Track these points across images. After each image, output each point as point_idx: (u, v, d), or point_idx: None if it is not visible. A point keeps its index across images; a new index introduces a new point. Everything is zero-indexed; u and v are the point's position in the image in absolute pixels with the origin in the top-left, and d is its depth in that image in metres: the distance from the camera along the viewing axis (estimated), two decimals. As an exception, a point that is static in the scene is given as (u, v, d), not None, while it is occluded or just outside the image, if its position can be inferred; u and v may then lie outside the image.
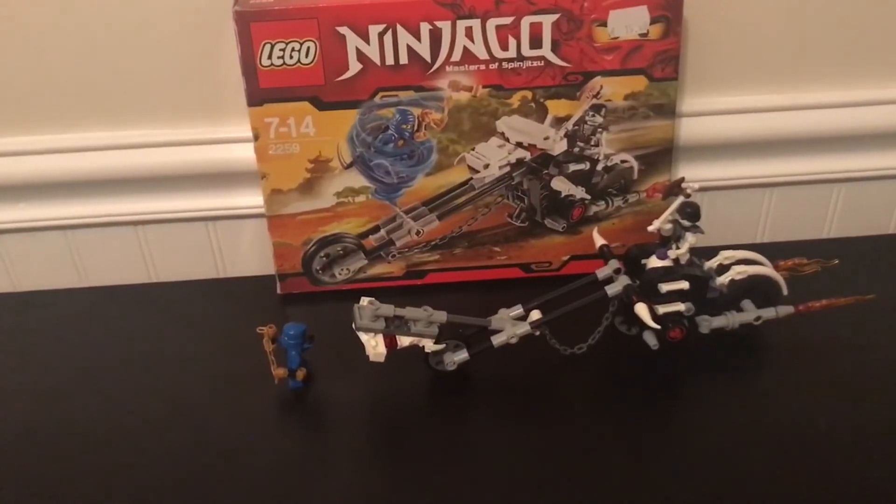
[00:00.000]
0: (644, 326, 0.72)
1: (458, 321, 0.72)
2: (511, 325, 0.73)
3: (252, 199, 0.88)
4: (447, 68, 0.78)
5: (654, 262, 0.73)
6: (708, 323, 0.75)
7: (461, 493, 0.64)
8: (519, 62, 0.78)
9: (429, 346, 0.71)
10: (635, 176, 0.85)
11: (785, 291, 0.76)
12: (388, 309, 0.69)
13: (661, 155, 0.85)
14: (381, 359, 0.69)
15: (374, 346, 0.69)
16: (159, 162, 0.87)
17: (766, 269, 0.76)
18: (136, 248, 0.92)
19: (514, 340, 0.73)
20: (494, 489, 0.65)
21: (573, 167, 0.84)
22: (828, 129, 0.90)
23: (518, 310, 0.75)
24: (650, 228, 0.74)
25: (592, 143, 0.83)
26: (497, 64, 0.78)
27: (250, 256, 0.93)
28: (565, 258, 0.89)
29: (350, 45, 0.76)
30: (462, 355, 0.74)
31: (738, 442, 0.67)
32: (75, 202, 0.89)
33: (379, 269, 0.88)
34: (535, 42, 0.77)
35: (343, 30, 0.75)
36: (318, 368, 0.76)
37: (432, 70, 0.78)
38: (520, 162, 0.84)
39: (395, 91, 0.79)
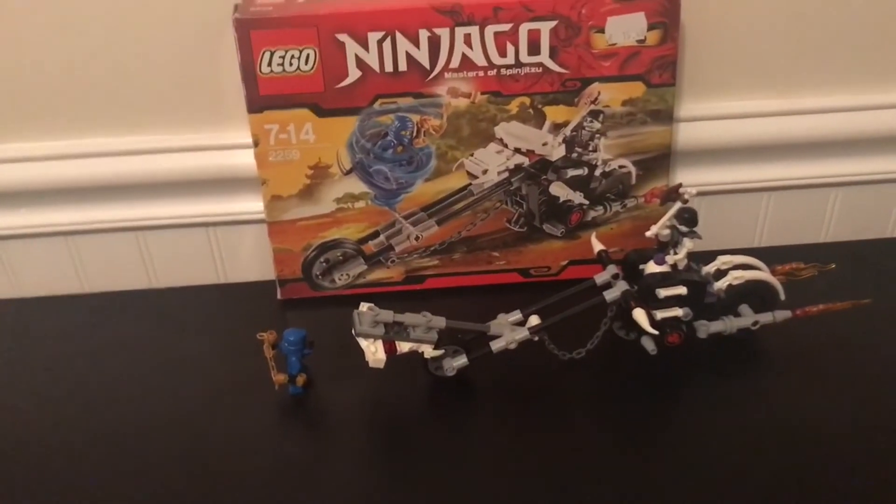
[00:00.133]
0: (642, 331, 0.72)
1: (457, 326, 0.72)
2: (510, 330, 0.74)
3: (252, 205, 0.88)
4: (446, 75, 0.78)
5: (652, 267, 0.74)
6: (706, 328, 0.75)
7: (461, 498, 0.65)
8: (517, 69, 0.79)
9: (428, 351, 0.71)
10: (633, 181, 0.86)
11: (782, 296, 0.76)
12: (388, 315, 0.69)
13: (658, 160, 0.85)
14: (381, 364, 0.70)
15: (374, 352, 0.69)
16: (160, 168, 0.87)
17: (764, 274, 0.76)
18: (136, 253, 0.93)
19: (512, 346, 0.73)
20: (494, 494, 0.65)
21: (571, 173, 0.85)
22: (824, 133, 0.90)
23: (517, 315, 0.75)
24: (648, 234, 0.75)
25: (590, 148, 0.84)
26: (495, 70, 0.79)
27: (250, 262, 0.93)
28: (564, 263, 0.89)
29: (349, 53, 0.76)
30: (461, 361, 0.74)
31: (737, 446, 0.68)
32: (76, 208, 0.89)
33: (378, 274, 0.88)
34: (534, 48, 0.78)
35: (342, 37, 0.76)
36: (317, 374, 0.76)
37: (431, 77, 0.78)
38: (518, 167, 0.84)
39: (394, 98, 0.79)
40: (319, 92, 0.78)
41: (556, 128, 0.82)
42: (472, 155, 0.83)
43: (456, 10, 0.76)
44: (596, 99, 0.81)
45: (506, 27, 0.77)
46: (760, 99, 0.89)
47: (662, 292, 0.72)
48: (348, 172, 0.82)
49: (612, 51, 0.79)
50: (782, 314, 0.76)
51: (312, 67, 0.77)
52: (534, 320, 0.74)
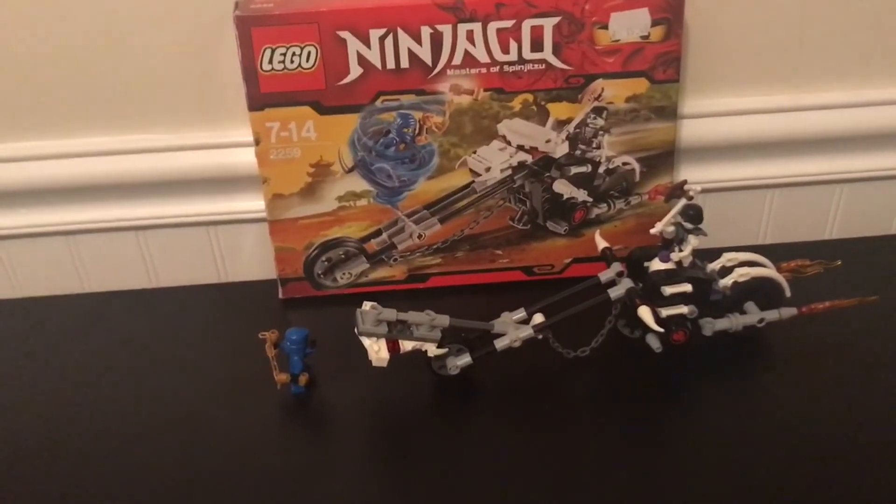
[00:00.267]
0: (647, 329, 0.72)
1: (461, 325, 0.72)
2: (514, 328, 0.73)
3: (253, 204, 0.88)
4: (448, 72, 0.78)
5: (656, 264, 0.73)
6: (711, 325, 0.75)
7: (465, 497, 0.64)
8: (520, 65, 0.78)
9: (431, 350, 0.71)
10: (637, 178, 0.85)
11: (788, 293, 0.76)
12: (391, 313, 0.69)
13: (662, 157, 0.85)
14: (384, 363, 0.69)
15: (377, 351, 0.69)
16: (160, 167, 0.87)
17: (769, 271, 0.76)
18: (137, 253, 0.92)
19: (517, 344, 0.73)
20: (498, 492, 0.64)
21: (575, 170, 0.84)
22: (829, 129, 0.90)
23: (521, 313, 0.75)
24: (653, 231, 0.74)
25: (594, 145, 0.83)
26: (498, 67, 0.78)
27: (252, 261, 0.93)
28: (567, 261, 0.89)
29: (351, 50, 0.76)
30: (465, 359, 0.74)
31: (743, 444, 0.67)
32: (77, 207, 0.89)
33: (381, 272, 0.88)
34: (537, 45, 0.77)
35: (344, 34, 0.75)
36: (320, 373, 0.76)
37: (433, 74, 0.78)
38: (521, 165, 0.84)
39: (396, 95, 0.79)
40: (321, 89, 0.78)
41: (560, 125, 0.82)
42: (474, 152, 0.82)
43: (458, 7, 0.75)
44: (599, 95, 0.80)
45: (508, 23, 0.76)
46: (765, 95, 0.88)
47: (667, 290, 0.72)
48: (350, 170, 0.82)
49: (615, 47, 0.78)
50: (788, 311, 0.76)
51: (314, 65, 0.77)
52: (538, 318, 0.73)
